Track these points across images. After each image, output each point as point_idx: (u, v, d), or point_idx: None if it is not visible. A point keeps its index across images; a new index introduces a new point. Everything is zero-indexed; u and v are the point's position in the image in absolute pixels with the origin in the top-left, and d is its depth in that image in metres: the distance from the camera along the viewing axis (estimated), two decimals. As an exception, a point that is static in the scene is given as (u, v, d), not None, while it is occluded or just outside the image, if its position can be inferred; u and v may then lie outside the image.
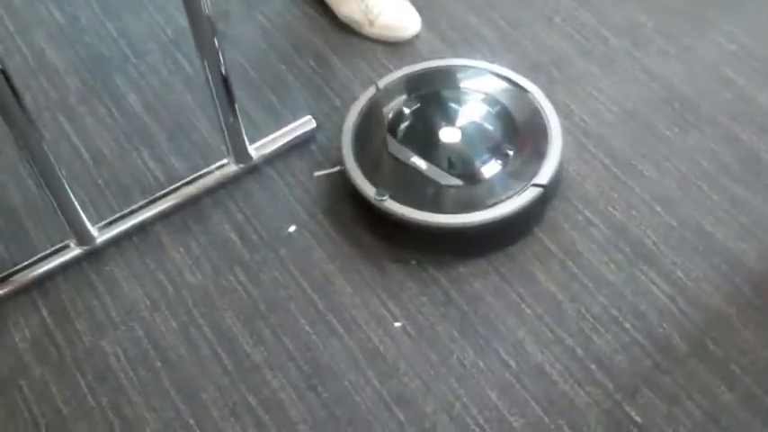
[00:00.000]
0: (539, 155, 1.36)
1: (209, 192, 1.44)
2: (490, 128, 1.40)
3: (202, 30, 1.22)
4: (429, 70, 1.50)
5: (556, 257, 1.34)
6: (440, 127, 1.39)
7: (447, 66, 1.51)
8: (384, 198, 1.32)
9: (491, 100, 1.43)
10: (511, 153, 1.37)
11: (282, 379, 1.24)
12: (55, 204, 1.29)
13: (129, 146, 1.52)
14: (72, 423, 1.22)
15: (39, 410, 1.23)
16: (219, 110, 1.34)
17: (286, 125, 1.50)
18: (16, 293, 1.34)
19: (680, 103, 1.50)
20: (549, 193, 1.35)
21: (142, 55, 1.64)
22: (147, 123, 1.54)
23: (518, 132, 1.39)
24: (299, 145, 1.48)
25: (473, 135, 1.39)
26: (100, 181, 1.48)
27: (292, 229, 1.37)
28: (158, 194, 1.42)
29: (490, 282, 1.32)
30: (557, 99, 1.50)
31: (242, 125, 1.39)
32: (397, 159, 1.36)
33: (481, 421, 1.19)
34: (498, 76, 1.47)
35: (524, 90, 1.44)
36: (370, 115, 1.43)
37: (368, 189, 1.34)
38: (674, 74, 1.54)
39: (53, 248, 1.37)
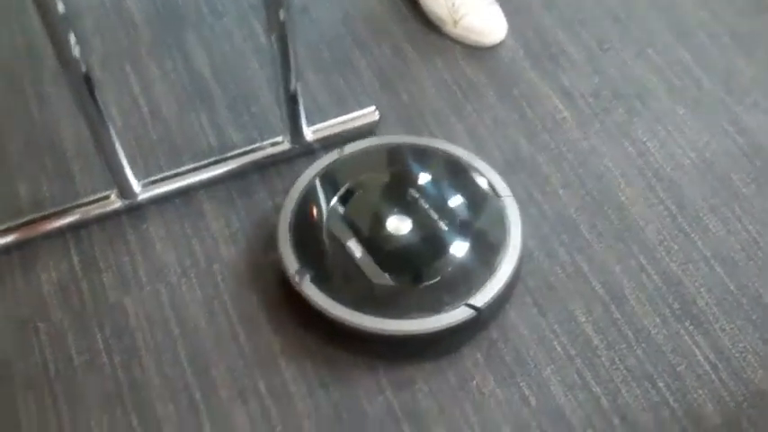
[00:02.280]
0: (484, 272, 1.27)
1: (259, 167, 1.46)
2: (444, 231, 1.29)
3: (273, 1, 1.23)
4: (403, 146, 1.41)
5: (600, 299, 1.32)
6: (390, 215, 1.30)
7: (424, 146, 1.41)
8: (303, 278, 1.24)
9: (459, 201, 1.33)
10: (451, 264, 1.27)
11: (296, 371, 1.26)
12: (100, 153, 1.32)
13: (189, 107, 1.54)
14: (81, 374, 1.25)
15: (51, 355, 1.27)
16: (281, 85, 1.36)
17: (349, 112, 1.50)
18: (50, 236, 1.38)
19: (762, 162, 1.47)
20: (483, 317, 1.24)
21: (220, 16, 1.67)
22: (211, 87, 1.56)
23: (472, 242, 1.29)
24: (358, 135, 1.48)
25: (423, 234, 1.29)
26: (154, 137, 1.51)
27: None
28: (208, 161, 1.44)
29: (526, 312, 1.31)
30: (634, 134, 1.49)
31: (302, 105, 1.40)
32: (333, 238, 1.29)
33: (489, 454, 1.19)
34: (478, 173, 1.37)
35: (498, 197, 1.35)
36: (325, 181, 1.35)
37: (291, 263, 1.26)
38: (762, 130, 1.51)
39: (94, 196, 1.40)
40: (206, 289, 1.33)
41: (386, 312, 1.23)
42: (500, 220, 1.32)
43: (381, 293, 1.25)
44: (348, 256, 1.27)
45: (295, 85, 1.35)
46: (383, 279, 1.25)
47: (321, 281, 1.25)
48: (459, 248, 1.29)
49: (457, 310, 1.23)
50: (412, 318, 1.22)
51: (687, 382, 1.25)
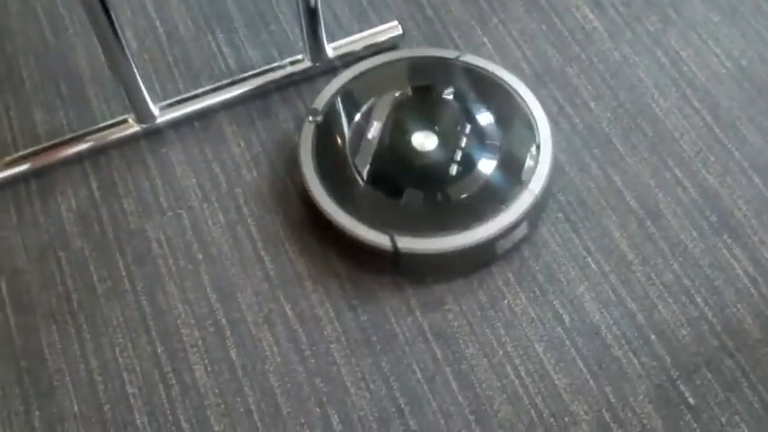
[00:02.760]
0: (514, 187, 1.24)
1: (280, 87, 1.42)
2: (472, 146, 1.27)
3: None
4: (427, 60, 1.37)
5: (634, 214, 1.28)
6: (415, 131, 1.28)
7: (449, 60, 1.36)
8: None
9: (487, 116, 1.30)
10: (480, 180, 1.24)
11: (323, 294, 1.23)
12: (116, 77, 1.28)
13: (206, 26, 1.50)
14: (104, 302, 1.23)
15: (73, 284, 1.25)
16: (301, 1, 1.31)
17: (371, 27, 1.45)
18: (68, 162, 1.35)
19: (803, 68, 1.41)
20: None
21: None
22: (228, 5, 1.52)
23: (501, 157, 1.26)
24: (380, 50, 1.44)
25: (451, 150, 1.27)
26: (170, 59, 1.47)
27: None
28: (226, 81, 1.40)
29: (558, 229, 1.27)
30: (667, 44, 1.43)
31: (322, 21, 1.35)
32: (356, 156, 1.26)
33: (522, 373, 1.17)
34: (506, 86, 1.33)
35: (527, 110, 1.31)
36: (347, 97, 1.32)
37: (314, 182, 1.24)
38: (802, 34, 1.44)
39: (111, 121, 1.37)
40: (229, 213, 1.30)
41: (414, 231, 1.19)
42: (530, 135, 1.27)
43: (408, 212, 1.21)
44: (372, 174, 1.24)
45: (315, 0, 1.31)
46: (409, 197, 1.21)
47: (344, 200, 1.21)
48: (487, 164, 1.24)
49: (486, 225, 1.19)
50: (440, 236, 1.18)
51: (725, 297, 1.22)
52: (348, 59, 1.42)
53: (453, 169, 1.24)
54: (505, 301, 1.22)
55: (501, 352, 1.18)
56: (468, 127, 1.28)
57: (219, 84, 1.40)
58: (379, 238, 1.19)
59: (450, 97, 1.31)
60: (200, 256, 1.26)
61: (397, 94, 1.32)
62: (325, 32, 1.38)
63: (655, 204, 1.29)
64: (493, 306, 1.22)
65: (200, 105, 1.38)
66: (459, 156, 1.26)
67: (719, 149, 1.34)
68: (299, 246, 1.27)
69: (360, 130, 1.29)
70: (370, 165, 1.25)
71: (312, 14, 1.34)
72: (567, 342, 1.19)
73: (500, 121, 1.29)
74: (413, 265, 1.22)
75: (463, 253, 1.19)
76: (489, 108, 1.30)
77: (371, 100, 1.31)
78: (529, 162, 1.25)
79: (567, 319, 1.21)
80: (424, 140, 1.27)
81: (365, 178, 1.23)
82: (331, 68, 1.42)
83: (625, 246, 1.26)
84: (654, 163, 1.33)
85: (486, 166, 1.25)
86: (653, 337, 1.19)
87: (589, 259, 1.25)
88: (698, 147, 1.34)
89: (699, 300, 1.21)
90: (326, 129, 1.29)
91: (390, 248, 1.18)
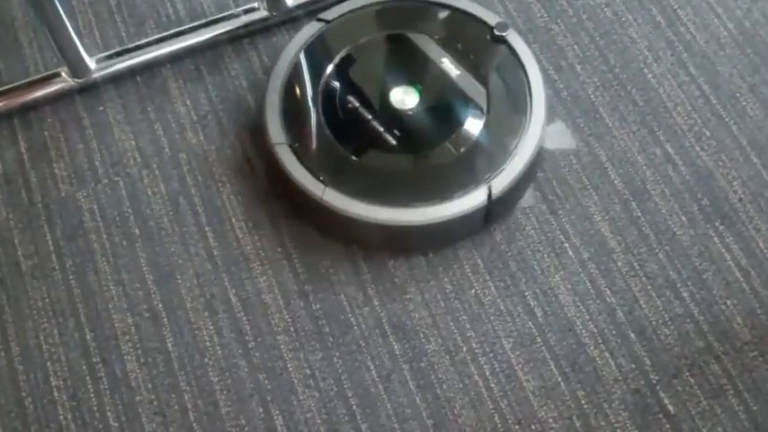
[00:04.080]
0: (498, 155, 1.12)
1: (232, 39, 1.28)
2: (455, 105, 1.16)
3: None
4: (404, 6, 1.24)
5: (619, 194, 1.17)
6: (393, 86, 1.16)
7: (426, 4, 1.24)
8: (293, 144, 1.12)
9: (470, 68, 1.18)
10: (462, 145, 1.13)
11: (272, 278, 1.12)
12: (42, 22, 1.14)
13: (152, -34, 1.35)
14: (29, 281, 1.12)
15: (-4, 259, 1.13)
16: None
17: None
18: (-6, 118, 1.22)
19: (812, 33, 1.28)
20: (493, 209, 1.11)
21: None
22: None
23: (488, 119, 1.14)
24: None
25: (431, 109, 1.16)
26: (112, 2, 1.32)
27: None
28: (173, 31, 1.27)
29: (534, 210, 1.16)
30: (664, 1, 1.29)
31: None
32: (327, 113, 1.15)
33: (487, 373, 1.07)
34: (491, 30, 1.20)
35: (517, 61, 1.19)
36: (318, 48, 1.20)
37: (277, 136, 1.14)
38: (814, -6, 1.31)
39: (43, 74, 1.23)
40: (171, 182, 1.18)
41: (382, 200, 1.08)
42: (520, 90, 1.16)
43: (378, 178, 1.11)
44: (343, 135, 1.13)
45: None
46: (380, 161, 1.11)
47: (307, 160, 1.11)
48: (470, 126, 1.13)
49: (463, 198, 1.08)
50: (410, 206, 1.08)
51: (714, 292, 1.11)
52: (311, 9, 1.28)
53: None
54: (472, 291, 1.11)
55: (465, 348, 1.08)
56: (450, 82, 1.16)
57: (165, 33, 1.26)
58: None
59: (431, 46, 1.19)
60: (137, 231, 1.15)
61: (371, 45, 1.20)
62: None
63: (642, 184, 1.18)
64: (459, 296, 1.11)
65: (142, 58, 1.25)
66: (439, 116, 1.15)
67: (716, 123, 1.22)
68: (247, 222, 1.15)
69: (329, 86, 1.17)
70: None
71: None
72: (539, 339, 1.09)
73: (485, 74, 1.18)
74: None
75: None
76: (473, 59, 1.18)
77: (343, 51, 1.19)
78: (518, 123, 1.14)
79: (539, 312, 1.10)
80: (404, 97, 1.15)
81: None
82: (290, 19, 1.28)
83: (607, 230, 1.15)
84: (643, 136, 1.21)
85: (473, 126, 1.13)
86: (632, 335, 1.09)
87: (567, 245, 1.14)
88: (692, 120, 1.22)
89: (685, 294, 1.11)
90: (292, 83, 1.18)
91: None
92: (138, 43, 1.25)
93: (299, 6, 1.27)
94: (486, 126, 1.13)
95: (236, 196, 1.17)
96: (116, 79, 1.25)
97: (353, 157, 1.11)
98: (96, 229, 1.15)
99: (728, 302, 1.10)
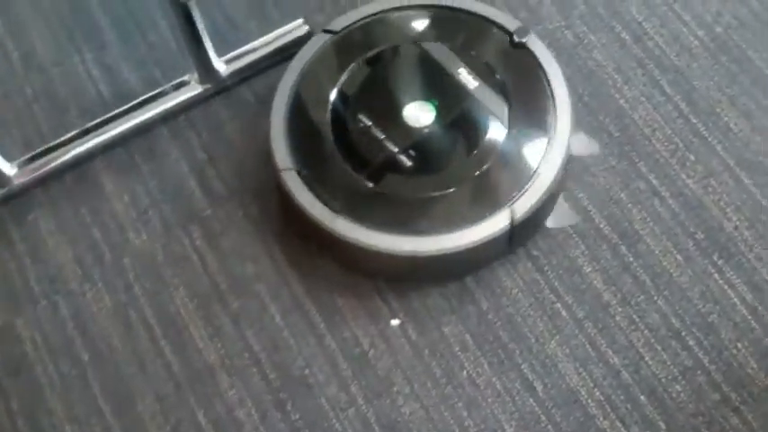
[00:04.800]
0: (521, 179, 1.05)
1: (166, 118, 1.17)
2: (472, 124, 1.08)
3: None
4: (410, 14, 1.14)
5: (606, 240, 1.08)
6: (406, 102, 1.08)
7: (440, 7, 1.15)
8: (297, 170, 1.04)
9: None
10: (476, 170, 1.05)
11: (243, 390, 1.02)
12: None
13: (70, 44, 1.24)
14: (-25, 429, 1.01)
15: (-66, 406, 1.02)
16: (173, 7, 1.05)
17: (270, 31, 1.20)
18: None
19: (788, 31, 1.19)
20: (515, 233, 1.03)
21: None
22: (94, 13, 1.25)
23: (508, 141, 1.06)
24: (287, 58, 1.19)
25: (444, 130, 1.08)
26: (28, 91, 1.21)
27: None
28: (100, 120, 1.16)
29: (518, 269, 1.06)
30: (627, 14, 1.20)
31: (204, 31, 1.10)
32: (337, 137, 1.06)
33: (492, 464, 0.97)
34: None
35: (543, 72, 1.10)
36: (321, 67, 1.12)
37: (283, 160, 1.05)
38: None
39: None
40: (116, 294, 1.07)
41: (396, 228, 1.01)
42: (543, 100, 1.08)
43: (392, 204, 1.04)
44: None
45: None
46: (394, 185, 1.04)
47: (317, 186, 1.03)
48: (491, 143, 1.04)
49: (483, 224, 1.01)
50: (428, 234, 1.01)
51: (723, 335, 1.02)
52: (246, 74, 1.17)
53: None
54: (464, 372, 1.02)
55: (464, 439, 0.99)
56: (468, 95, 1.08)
57: (92, 123, 1.14)
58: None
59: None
60: (86, 357, 1.04)
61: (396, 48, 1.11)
62: (218, 39, 1.15)
63: (629, 225, 1.09)
64: (450, 381, 1.01)
65: (69, 155, 1.14)
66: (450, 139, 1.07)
67: (699, 145, 1.13)
68: (206, 327, 1.05)
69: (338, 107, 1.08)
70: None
71: (190, 26, 1.08)
72: (543, 417, 1.00)
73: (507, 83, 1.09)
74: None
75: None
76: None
77: (351, 67, 1.11)
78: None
79: (539, 386, 1.01)
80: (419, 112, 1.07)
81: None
82: (226, 88, 1.17)
83: (599, 282, 1.06)
84: (624, 170, 1.12)
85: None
86: (642, 398, 1.00)
87: (558, 305, 1.05)
88: (674, 144, 1.13)
89: (692, 343, 1.02)
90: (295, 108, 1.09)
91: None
92: (62, 139, 1.14)
93: (232, 75, 1.16)
94: (508, 142, 1.05)
95: (191, 299, 1.07)
96: (43, 181, 1.14)
97: (367, 182, 1.03)
98: (41, 359, 1.04)
99: (739, 345, 1.02)
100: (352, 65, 1.10)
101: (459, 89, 1.08)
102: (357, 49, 1.12)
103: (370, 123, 1.06)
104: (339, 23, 1.13)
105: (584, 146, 1.11)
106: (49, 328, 1.06)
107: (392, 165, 1.04)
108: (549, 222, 1.07)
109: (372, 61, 1.11)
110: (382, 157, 1.04)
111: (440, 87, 1.09)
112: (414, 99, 1.07)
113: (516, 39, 1.11)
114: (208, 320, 1.05)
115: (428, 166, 1.05)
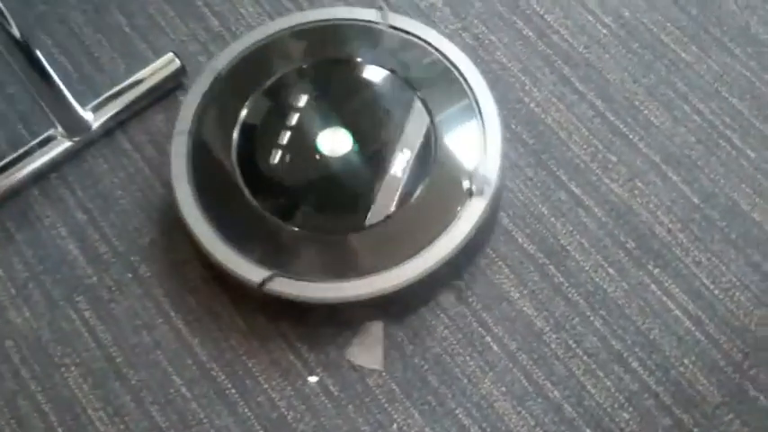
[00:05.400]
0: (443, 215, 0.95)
1: (36, 178, 1.06)
2: (390, 151, 0.97)
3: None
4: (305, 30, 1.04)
5: (532, 260, 1.00)
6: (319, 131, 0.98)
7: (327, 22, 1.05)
8: None
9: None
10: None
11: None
12: None
13: None
14: None
15: None
16: (18, 57, 0.94)
17: (139, 69, 1.09)
18: None
19: (699, 8, 1.12)
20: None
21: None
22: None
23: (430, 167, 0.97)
24: (161, 97, 1.08)
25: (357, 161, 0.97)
26: None
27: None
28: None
29: (441, 304, 0.99)
30: (526, 7, 1.12)
31: (60, 85, 0.99)
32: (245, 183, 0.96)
33: None
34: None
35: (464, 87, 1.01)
36: (214, 108, 1.01)
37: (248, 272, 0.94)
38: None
39: None
40: (3, 383, 0.97)
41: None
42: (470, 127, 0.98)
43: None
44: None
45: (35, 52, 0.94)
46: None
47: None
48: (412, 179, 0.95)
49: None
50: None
51: (667, 352, 0.96)
52: (120, 118, 1.07)
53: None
54: (395, 426, 0.94)
55: (402, 502, 0.90)
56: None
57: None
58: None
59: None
60: (-25, 458, 0.93)
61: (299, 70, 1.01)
62: (85, 84, 1.06)
63: (555, 240, 1.01)
64: (379, 438, 0.93)
65: (-71, 232, 1.01)
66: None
67: (620, 144, 1.06)
68: (105, 407, 0.95)
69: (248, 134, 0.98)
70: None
71: (41, 73, 0.97)
72: (484, 466, 0.91)
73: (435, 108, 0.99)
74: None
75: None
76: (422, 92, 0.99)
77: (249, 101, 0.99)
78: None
79: (475, 431, 0.93)
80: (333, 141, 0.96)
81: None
82: (97, 137, 1.06)
83: (529, 308, 0.98)
84: (542, 181, 1.04)
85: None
86: (588, 431, 0.92)
87: (488, 338, 0.97)
88: (593, 147, 1.06)
89: (635, 364, 0.95)
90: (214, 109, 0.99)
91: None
92: None
93: (103, 123, 1.05)
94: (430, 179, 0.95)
95: (85, 379, 0.97)
96: None
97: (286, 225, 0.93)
98: None
99: (686, 361, 0.95)
100: (252, 95, 1.00)
101: (376, 106, 0.99)
102: (252, 79, 1.01)
103: (279, 158, 0.95)
104: (222, 60, 1.02)
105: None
106: (-74, 433, 0.95)
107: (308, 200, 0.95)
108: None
109: (273, 89, 1.00)
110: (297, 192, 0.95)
111: (353, 110, 0.99)
112: (327, 126, 0.97)
113: (381, 20, 1.01)
114: (107, 400, 0.96)
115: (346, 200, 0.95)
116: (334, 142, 0.97)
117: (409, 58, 1.01)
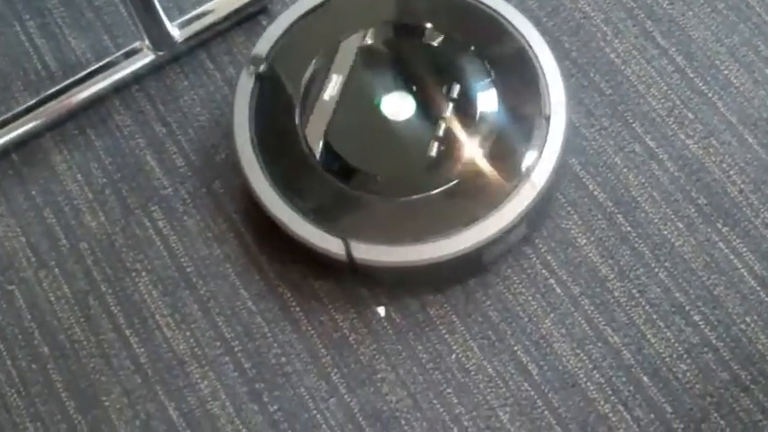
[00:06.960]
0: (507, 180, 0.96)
1: (118, 89, 1.09)
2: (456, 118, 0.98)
3: None
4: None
5: (601, 208, 1.02)
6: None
7: None
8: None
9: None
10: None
11: (215, 381, 0.96)
12: None
13: (10, 12, 1.15)
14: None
15: None
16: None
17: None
18: None
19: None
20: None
21: None
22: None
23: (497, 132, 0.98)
24: (245, 19, 1.11)
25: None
26: (-34, 64, 1.12)
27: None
28: (47, 93, 1.08)
29: (508, 243, 1.00)
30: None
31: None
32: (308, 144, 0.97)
33: (487, 455, 0.92)
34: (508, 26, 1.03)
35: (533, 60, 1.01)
36: (283, 61, 1.02)
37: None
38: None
39: None
40: (75, 281, 1.01)
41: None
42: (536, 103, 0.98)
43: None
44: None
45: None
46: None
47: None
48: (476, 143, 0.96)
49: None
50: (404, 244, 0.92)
51: (730, 309, 0.97)
52: (204, 38, 1.10)
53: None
54: (453, 356, 0.96)
55: (456, 429, 0.93)
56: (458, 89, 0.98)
57: (38, 98, 1.06)
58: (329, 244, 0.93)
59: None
60: (46, 350, 0.98)
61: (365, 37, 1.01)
62: (170, 2, 1.08)
63: (625, 191, 1.03)
64: (438, 366, 0.96)
65: (15, 132, 1.06)
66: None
67: (698, 101, 1.07)
68: (173, 314, 0.98)
69: (314, 88, 0.99)
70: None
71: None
72: (539, 402, 0.94)
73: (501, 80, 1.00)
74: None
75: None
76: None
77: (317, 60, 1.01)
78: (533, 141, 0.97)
79: (534, 370, 0.95)
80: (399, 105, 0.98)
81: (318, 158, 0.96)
82: (181, 54, 1.10)
83: (595, 255, 1.00)
84: (617, 131, 1.06)
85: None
86: (645, 379, 0.95)
87: (552, 281, 0.99)
88: (671, 102, 1.07)
89: (697, 318, 0.97)
90: (273, 83, 1.00)
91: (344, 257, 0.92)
92: (6, 116, 1.06)
93: (187, 40, 1.08)
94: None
95: (155, 285, 1.00)
96: (-13, 162, 1.06)
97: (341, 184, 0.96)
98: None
99: (747, 320, 0.97)
100: (312, 64, 1.01)
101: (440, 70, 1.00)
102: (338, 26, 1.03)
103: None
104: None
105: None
106: (3, 321, 0.99)
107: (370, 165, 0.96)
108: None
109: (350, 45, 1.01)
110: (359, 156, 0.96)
111: (418, 73, 1.01)
112: (392, 90, 0.99)
113: None
114: (175, 308, 0.99)
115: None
116: (400, 107, 0.98)
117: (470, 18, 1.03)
